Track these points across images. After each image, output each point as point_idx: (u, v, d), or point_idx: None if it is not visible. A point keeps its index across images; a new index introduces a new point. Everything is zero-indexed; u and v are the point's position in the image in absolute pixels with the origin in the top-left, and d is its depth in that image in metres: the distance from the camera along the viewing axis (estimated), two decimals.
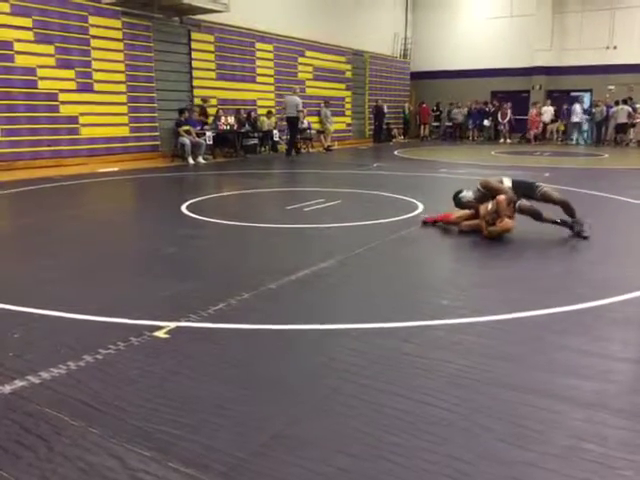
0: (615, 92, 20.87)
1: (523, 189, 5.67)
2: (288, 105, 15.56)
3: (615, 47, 21.32)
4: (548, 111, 21.94)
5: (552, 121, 21.94)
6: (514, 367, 2.80)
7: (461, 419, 2.31)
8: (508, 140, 22.19)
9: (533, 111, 21.67)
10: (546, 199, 5.61)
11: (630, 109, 19.76)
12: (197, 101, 15.03)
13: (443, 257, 4.92)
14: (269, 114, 16.65)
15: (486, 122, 23.09)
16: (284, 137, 17.35)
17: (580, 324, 3.41)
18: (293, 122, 15.63)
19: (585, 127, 21.84)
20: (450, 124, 24.46)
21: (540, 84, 23.25)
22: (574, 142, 21.47)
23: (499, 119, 22.48)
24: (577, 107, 20.62)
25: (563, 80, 22.72)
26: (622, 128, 20.05)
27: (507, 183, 5.69)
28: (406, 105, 24.45)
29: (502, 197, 5.31)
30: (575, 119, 20.79)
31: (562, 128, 22.19)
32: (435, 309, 3.61)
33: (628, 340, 3.19)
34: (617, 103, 20.16)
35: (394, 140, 22.97)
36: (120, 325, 3.27)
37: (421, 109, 24.41)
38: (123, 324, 3.28)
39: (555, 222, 5.51)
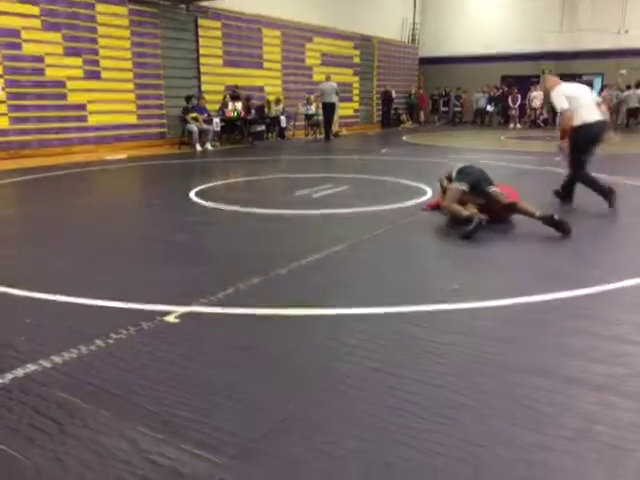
0: (627, 76, 20.58)
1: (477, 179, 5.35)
2: (326, 91, 15.83)
3: (627, 31, 20.99)
4: (538, 96, 21.66)
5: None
6: (525, 350, 2.79)
7: (473, 402, 2.31)
8: (518, 125, 21.99)
9: (604, 94, 20.93)
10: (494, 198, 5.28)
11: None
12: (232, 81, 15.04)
13: (452, 242, 4.89)
14: (278, 101, 16.59)
15: (489, 107, 22.82)
16: (292, 123, 17.29)
17: (590, 308, 3.39)
18: (330, 107, 15.94)
19: None
20: (459, 109, 24.25)
21: (550, 68, 22.95)
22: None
23: (510, 104, 22.24)
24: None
25: (574, 64, 22.41)
26: (634, 112, 19.80)
27: (457, 166, 5.62)
28: (413, 90, 24.23)
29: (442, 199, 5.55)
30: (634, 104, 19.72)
31: None
32: (445, 293, 3.59)
33: (638, 323, 3.16)
34: (629, 87, 19.89)
35: (402, 126, 22.81)
36: (131, 310, 3.28)
37: (420, 95, 24.30)
38: (134, 309, 3.29)
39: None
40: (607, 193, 6.03)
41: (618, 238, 5.17)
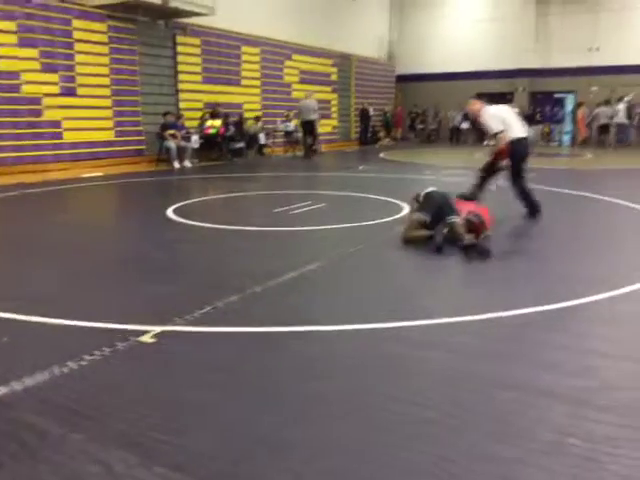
0: (598, 93, 21.08)
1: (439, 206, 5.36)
2: (304, 109, 15.94)
3: (598, 49, 21.55)
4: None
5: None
6: (498, 365, 2.81)
7: (447, 418, 2.32)
8: (492, 142, 22.29)
9: (580, 112, 20.94)
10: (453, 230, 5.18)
11: (611, 110, 19.94)
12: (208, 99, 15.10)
13: (426, 259, 4.93)
14: (257, 119, 16.66)
15: (464, 125, 23.11)
16: (271, 140, 17.33)
17: (562, 321, 3.44)
18: (309, 125, 16.03)
19: (569, 128, 22.03)
20: (435, 127, 24.57)
21: (523, 86, 23.44)
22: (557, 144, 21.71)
23: None
24: (621, 107, 19.66)
25: (547, 82, 22.89)
26: (604, 129, 20.28)
27: (424, 191, 5.66)
28: (387, 108, 24.55)
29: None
30: (619, 119, 19.76)
31: (547, 130, 22.37)
32: (419, 310, 3.62)
33: (609, 337, 3.22)
34: (599, 105, 20.38)
35: (379, 143, 23.02)
36: (105, 330, 3.24)
37: (397, 112, 24.68)
38: (108, 329, 3.25)
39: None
40: (534, 209, 6.57)
41: (585, 253, 5.26)
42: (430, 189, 5.70)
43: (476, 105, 6.72)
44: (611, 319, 3.52)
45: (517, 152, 6.50)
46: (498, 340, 3.15)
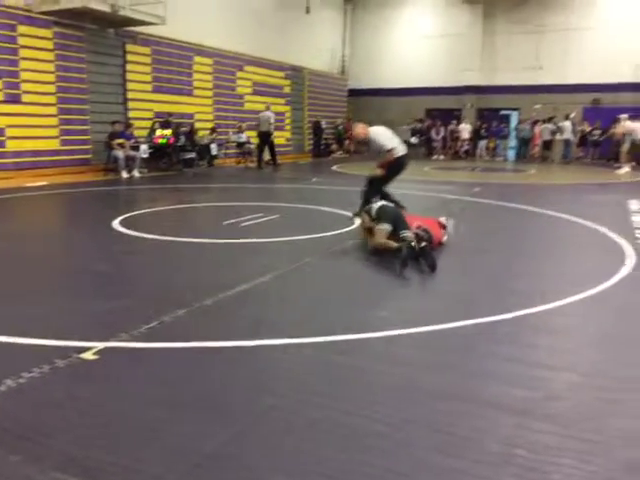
0: (541, 111, 21.91)
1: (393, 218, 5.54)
2: (262, 120, 16.23)
3: (541, 67, 22.44)
4: (465, 129, 22.82)
5: (472, 139, 22.83)
6: (446, 376, 2.85)
7: (396, 431, 2.33)
8: (441, 156, 22.85)
9: (537, 129, 21.67)
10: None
11: (554, 127, 20.77)
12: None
13: (378, 271, 4.97)
14: (213, 130, 16.58)
15: (413, 139, 23.49)
16: (223, 151, 17.21)
17: (508, 333, 3.52)
18: (264, 136, 16.28)
19: (513, 144, 22.82)
20: None
21: (471, 102, 24.13)
22: (505, 158, 22.44)
23: (433, 136, 23.10)
24: (567, 124, 20.50)
25: (493, 99, 23.64)
26: (547, 145, 21.11)
27: (375, 205, 5.84)
28: (339, 121, 24.81)
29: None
30: (566, 136, 20.60)
31: (492, 145, 23.08)
32: (370, 322, 3.64)
33: (553, 347, 3.32)
34: (544, 121, 21.19)
35: (332, 155, 23.20)
36: (45, 347, 3.11)
37: (349, 125, 25.04)
38: (48, 346, 3.12)
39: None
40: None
41: (526, 266, 5.42)
42: (381, 203, 5.78)
43: (360, 128, 7.18)
44: (553, 331, 3.63)
45: (397, 166, 7.10)
46: (446, 352, 3.20)
